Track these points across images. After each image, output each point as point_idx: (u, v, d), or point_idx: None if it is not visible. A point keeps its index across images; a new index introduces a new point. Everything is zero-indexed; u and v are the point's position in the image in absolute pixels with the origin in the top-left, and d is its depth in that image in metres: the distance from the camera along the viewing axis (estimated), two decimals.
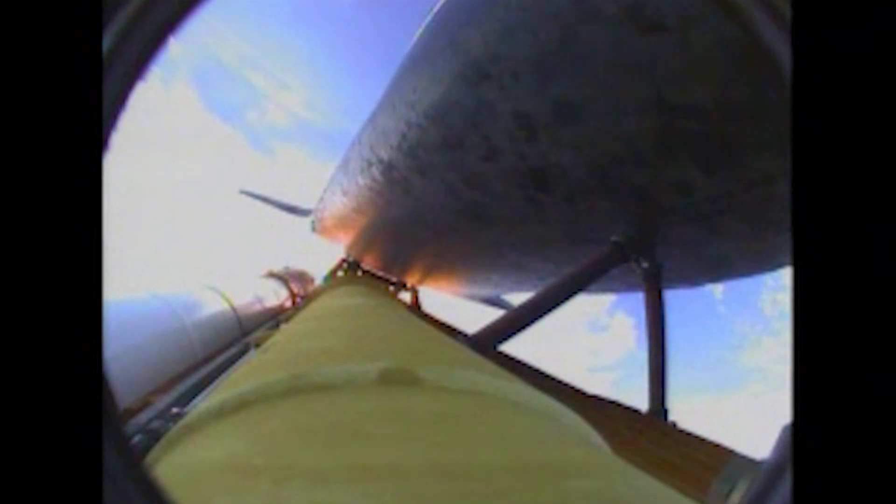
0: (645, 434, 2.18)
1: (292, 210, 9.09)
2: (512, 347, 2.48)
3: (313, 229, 7.41)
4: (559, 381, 2.65)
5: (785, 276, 2.78)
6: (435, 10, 2.92)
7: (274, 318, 4.37)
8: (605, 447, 0.88)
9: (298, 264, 6.69)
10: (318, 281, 6.44)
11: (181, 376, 2.30)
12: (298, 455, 0.57)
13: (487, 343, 2.36)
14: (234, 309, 4.08)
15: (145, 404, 1.63)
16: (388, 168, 3.70)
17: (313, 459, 0.56)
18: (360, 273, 5.97)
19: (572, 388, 2.62)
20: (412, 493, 0.49)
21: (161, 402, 1.67)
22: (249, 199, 9.74)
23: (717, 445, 1.99)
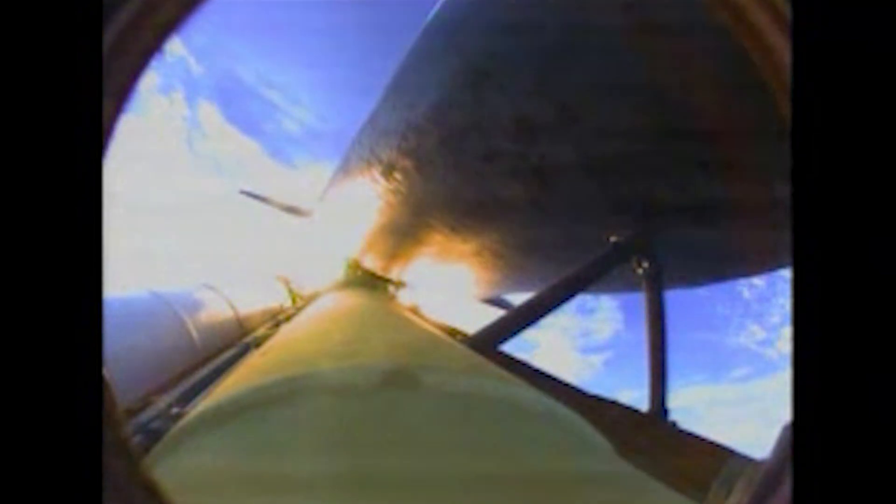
0: (645, 434, 2.17)
1: (292, 210, 9.05)
2: None
3: (313, 229, 7.40)
4: (559, 381, 2.65)
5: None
6: (435, 10, 2.91)
7: (274, 319, 4.37)
8: (611, 451, 0.87)
9: (298, 264, 6.69)
10: (318, 282, 6.43)
11: (181, 376, 2.30)
12: (296, 463, 0.57)
13: (487, 343, 2.36)
14: (234, 309, 4.08)
15: (145, 404, 1.64)
16: (388, 168, 3.70)
17: (311, 468, 0.55)
18: (360, 273, 5.96)
19: (572, 387, 2.62)
20: None
21: (161, 403, 1.67)
22: (251, 200, 9.71)
23: (718, 445, 1.99)
